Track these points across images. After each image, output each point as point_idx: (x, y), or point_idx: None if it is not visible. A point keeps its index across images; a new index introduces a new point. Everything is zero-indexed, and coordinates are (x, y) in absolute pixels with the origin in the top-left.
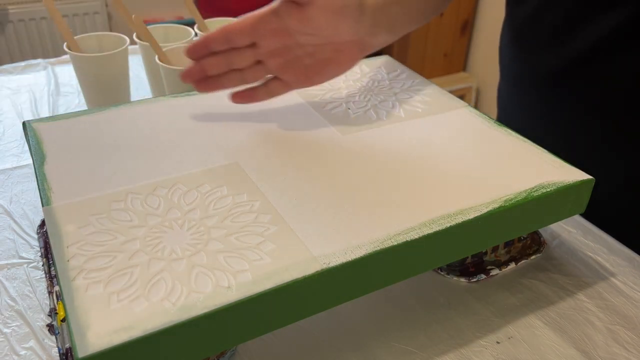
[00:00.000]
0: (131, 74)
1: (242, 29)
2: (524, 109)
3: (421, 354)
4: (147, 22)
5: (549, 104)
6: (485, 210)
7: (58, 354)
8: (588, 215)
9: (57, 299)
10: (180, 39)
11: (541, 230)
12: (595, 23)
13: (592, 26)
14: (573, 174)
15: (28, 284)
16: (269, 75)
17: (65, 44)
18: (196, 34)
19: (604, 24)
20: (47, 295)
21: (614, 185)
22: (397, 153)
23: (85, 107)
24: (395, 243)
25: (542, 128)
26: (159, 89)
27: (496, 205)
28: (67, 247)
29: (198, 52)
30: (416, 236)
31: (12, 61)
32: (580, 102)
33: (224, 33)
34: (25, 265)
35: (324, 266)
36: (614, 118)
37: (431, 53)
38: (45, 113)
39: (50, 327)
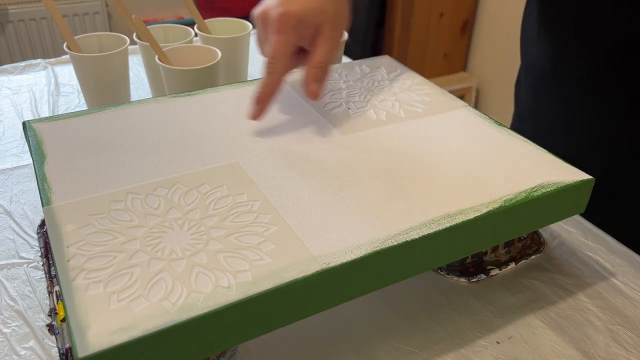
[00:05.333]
0: (131, 74)
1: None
2: (547, 105)
3: (421, 354)
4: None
5: (574, 101)
6: (485, 210)
7: (58, 354)
8: (588, 215)
9: (57, 299)
10: (180, 39)
11: (541, 230)
12: (629, 21)
13: (627, 24)
14: (573, 174)
15: (28, 284)
16: None
17: (65, 44)
18: (196, 34)
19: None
20: (47, 295)
21: (625, 183)
22: (397, 153)
23: (85, 107)
24: (395, 243)
25: (560, 123)
26: (159, 89)
27: (496, 205)
28: (67, 247)
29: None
30: (416, 236)
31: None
32: (610, 100)
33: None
34: (25, 265)
35: (324, 266)
36: None
37: (431, 53)
38: (45, 113)
39: (50, 327)
